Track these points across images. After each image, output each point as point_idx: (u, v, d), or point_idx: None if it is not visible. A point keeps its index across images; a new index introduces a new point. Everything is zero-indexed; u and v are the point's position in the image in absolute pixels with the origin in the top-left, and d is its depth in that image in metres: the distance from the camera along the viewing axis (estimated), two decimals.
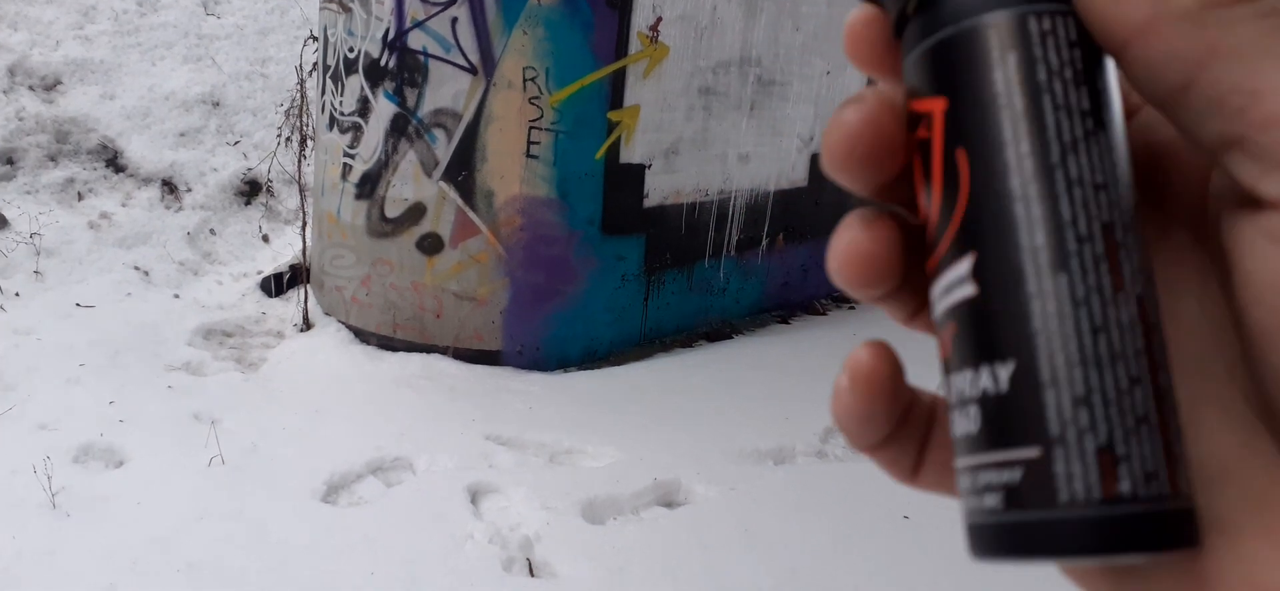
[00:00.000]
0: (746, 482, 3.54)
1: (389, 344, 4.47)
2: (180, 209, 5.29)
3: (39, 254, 4.63)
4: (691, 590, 2.87)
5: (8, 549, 2.73)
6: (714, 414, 4.13)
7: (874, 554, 3.15)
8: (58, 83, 5.57)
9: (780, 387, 4.52)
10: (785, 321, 5.70)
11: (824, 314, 5.96)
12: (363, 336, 4.53)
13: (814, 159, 5.72)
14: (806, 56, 5.38)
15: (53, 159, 5.22)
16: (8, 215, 4.77)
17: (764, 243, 5.57)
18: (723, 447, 3.78)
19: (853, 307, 6.07)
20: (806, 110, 5.53)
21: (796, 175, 5.64)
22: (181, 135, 5.63)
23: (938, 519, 3.43)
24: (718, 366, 4.75)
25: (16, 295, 4.37)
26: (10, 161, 5.08)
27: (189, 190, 5.39)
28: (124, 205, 5.15)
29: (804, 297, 5.99)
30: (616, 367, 4.61)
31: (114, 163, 5.36)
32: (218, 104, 5.88)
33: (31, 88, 5.48)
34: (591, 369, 4.57)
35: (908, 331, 0.37)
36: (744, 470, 3.65)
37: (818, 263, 6.05)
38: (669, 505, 3.42)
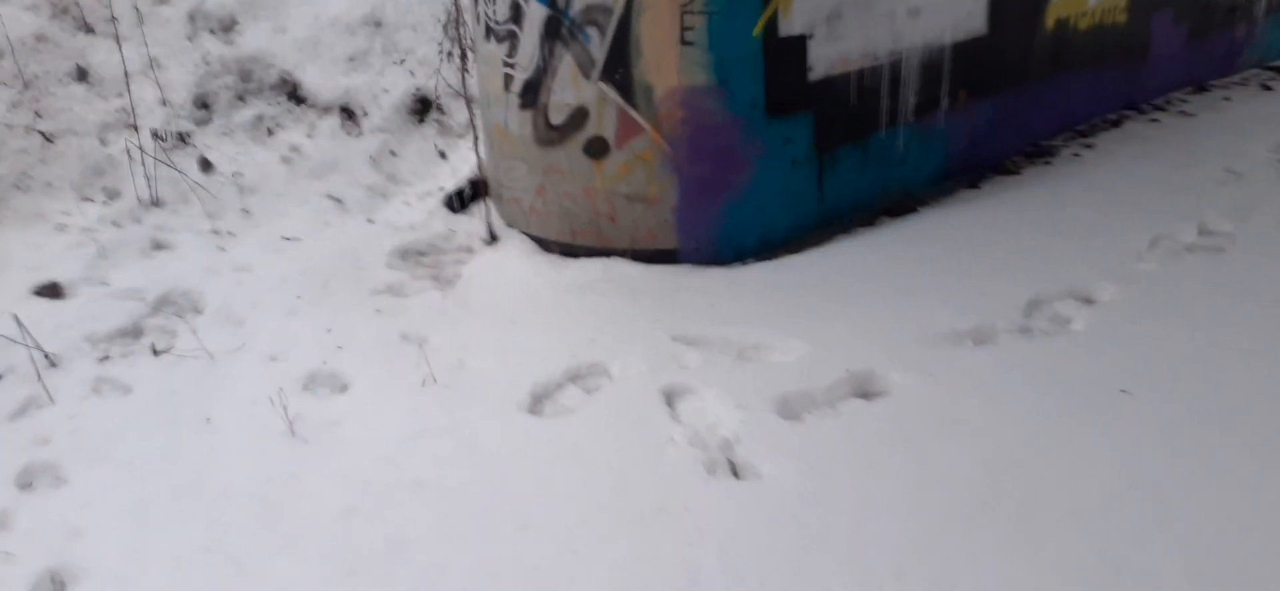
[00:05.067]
0: (945, 367, 3.41)
1: (570, 250, 4.55)
2: (360, 134, 5.51)
3: (242, 192, 4.96)
4: (901, 484, 2.81)
5: (259, 473, 3.02)
6: (904, 295, 3.97)
7: (1092, 434, 2.98)
8: (234, 22, 5.84)
9: (974, 261, 4.29)
10: (975, 186, 5.37)
11: (1017, 173, 5.57)
12: (545, 245, 4.63)
13: (993, 3, 5.27)
14: None
15: (241, 98, 5.52)
16: (210, 158, 5.11)
17: (944, 102, 5.23)
18: (916, 331, 3.65)
19: (1049, 163, 5.63)
20: None
21: (974, 24, 5.22)
22: (351, 59, 5.82)
23: (1162, 390, 3.20)
24: (903, 243, 4.56)
25: (231, 234, 4.72)
26: (205, 106, 5.41)
27: (366, 114, 5.59)
28: (309, 136, 5.42)
29: (993, 157, 5.61)
30: (795, 255, 4.50)
31: (294, 95, 5.61)
32: (380, 24, 6.01)
33: (212, 31, 5.76)
34: (769, 259, 4.48)
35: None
36: (941, 353, 3.52)
37: (1007, 116, 5.64)
38: (866, 396, 3.34)
